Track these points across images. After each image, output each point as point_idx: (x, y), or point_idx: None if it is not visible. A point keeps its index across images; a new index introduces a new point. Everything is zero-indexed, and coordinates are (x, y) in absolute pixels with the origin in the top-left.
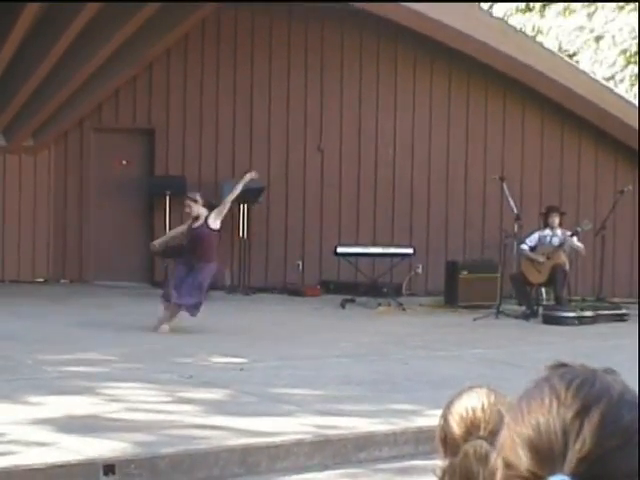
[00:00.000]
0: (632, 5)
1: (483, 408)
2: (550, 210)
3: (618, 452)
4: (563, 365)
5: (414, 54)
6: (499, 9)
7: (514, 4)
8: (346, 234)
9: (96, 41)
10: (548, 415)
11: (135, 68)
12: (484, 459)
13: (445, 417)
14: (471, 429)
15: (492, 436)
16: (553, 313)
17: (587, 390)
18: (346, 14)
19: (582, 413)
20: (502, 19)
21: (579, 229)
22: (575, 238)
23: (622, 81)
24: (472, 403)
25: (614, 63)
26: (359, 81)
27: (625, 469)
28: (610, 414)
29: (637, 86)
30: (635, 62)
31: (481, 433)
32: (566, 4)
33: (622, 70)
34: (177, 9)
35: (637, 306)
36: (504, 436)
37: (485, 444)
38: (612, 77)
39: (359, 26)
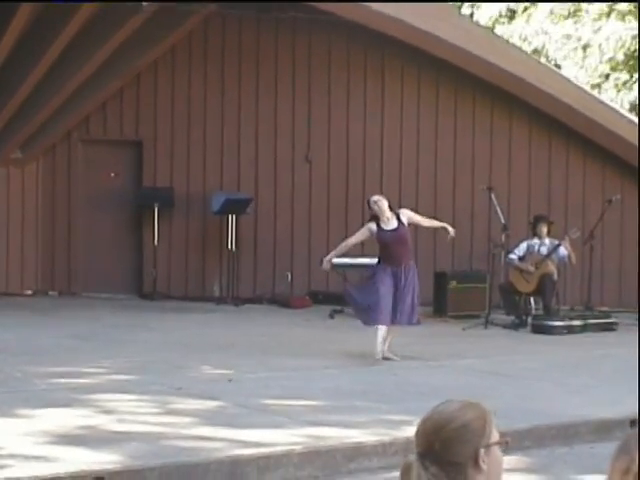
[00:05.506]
0: (616, 12)
1: (426, 423)
2: (538, 219)
3: None
4: None
5: (401, 65)
6: (483, 16)
7: (497, 11)
8: (334, 245)
9: (83, 53)
10: None
11: (122, 80)
12: (407, 471)
13: None
14: (414, 443)
15: (427, 452)
16: (542, 322)
17: None
18: (333, 26)
19: None
20: (488, 28)
21: (567, 237)
22: (562, 248)
23: (601, 83)
24: (425, 418)
25: (596, 68)
26: (347, 92)
27: None
28: None
29: (624, 92)
30: (621, 70)
31: (417, 449)
32: (551, 9)
33: (607, 77)
34: (164, 21)
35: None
36: None
37: (412, 457)
38: (598, 85)
39: (346, 38)
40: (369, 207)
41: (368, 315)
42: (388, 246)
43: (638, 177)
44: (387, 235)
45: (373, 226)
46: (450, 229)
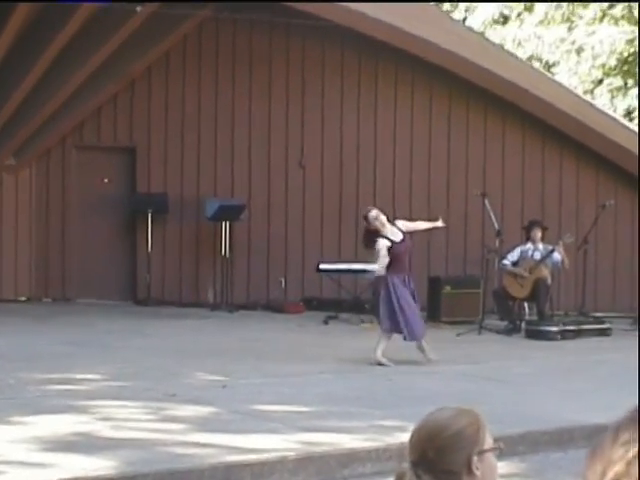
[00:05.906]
0: (609, 17)
1: (420, 431)
2: (532, 224)
3: None
4: None
5: (395, 70)
6: (476, 20)
7: (491, 15)
8: (328, 251)
9: (77, 59)
10: None
11: (116, 86)
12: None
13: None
14: (407, 451)
15: (421, 460)
16: (536, 328)
17: None
18: (327, 30)
19: None
20: (482, 34)
21: (561, 242)
22: (556, 253)
23: (594, 89)
24: (419, 426)
25: (589, 73)
26: (340, 97)
27: None
28: None
29: (618, 98)
30: (614, 75)
31: (411, 457)
32: (545, 14)
33: (600, 82)
34: (158, 26)
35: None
36: None
37: (405, 466)
38: (591, 91)
39: (340, 42)
40: (367, 222)
41: (416, 330)
42: (399, 256)
43: (638, 183)
44: (399, 247)
45: (387, 242)
46: (439, 224)
